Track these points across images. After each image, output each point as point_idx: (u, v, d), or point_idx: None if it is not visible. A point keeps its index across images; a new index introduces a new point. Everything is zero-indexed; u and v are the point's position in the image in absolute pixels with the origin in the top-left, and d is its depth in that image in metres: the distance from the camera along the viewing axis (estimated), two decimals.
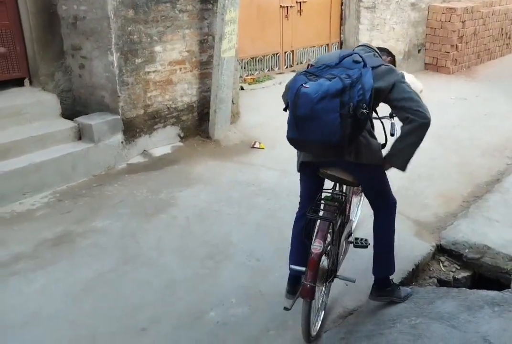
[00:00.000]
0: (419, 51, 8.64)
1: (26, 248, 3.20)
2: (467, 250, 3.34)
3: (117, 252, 3.20)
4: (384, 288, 2.68)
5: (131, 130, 4.43)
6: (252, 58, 6.62)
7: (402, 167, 2.40)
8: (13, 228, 3.43)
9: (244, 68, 6.52)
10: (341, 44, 8.12)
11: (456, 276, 3.29)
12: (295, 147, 2.31)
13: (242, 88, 5.97)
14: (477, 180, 4.46)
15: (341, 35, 8.11)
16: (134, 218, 3.59)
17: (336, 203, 2.45)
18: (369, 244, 2.75)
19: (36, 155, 3.86)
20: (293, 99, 2.09)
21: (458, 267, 3.37)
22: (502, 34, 9.93)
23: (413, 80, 6.88)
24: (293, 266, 2.41)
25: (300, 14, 7.15)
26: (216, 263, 3.12)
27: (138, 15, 4.25)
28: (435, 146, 5.21)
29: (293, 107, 2.10)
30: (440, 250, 3.44)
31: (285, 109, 2.31)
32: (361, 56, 2.18)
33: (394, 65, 2.52)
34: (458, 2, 9.09)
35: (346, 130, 2.06)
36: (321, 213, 2.40)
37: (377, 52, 2.43)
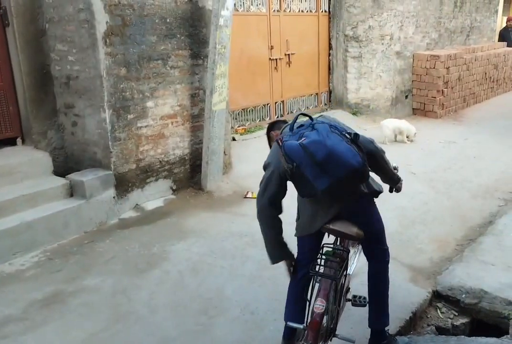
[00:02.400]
0: (406, 97, 8.86)
1: (15, 310, 3.14)
2: (464, 296, 3.29)
3: (109, 310, 3.14)
4: (381, 342, 2.62)
5: (123, 184, 4.47)
6: (243, 109, 6.78)
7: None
8: (1, 289, 3.38)
9: (236, 119, 6.66)
10: (330, 93, 8.35)
11: (455, 323, 3.23)
12: (327, 197, 2.29)
13: (233, 139, 6.08)
14: (470, 223, 4.46)
15: (330, 84, 8.36)
16: (126, 274, 3.55)
17: (338, 259, 2.41)
18: (367, 302, 2.69)
19: (28, 213, 3.86)
20: (303, 154, 2.11)
21: (456, 313, 3.31)
22: (486, 79, 10.25)
23: (407, 125, 7.06)
24: (290, 323, 2.34)
25: (289, 66, 7.40)
26: (210, 318, 3.06)
27: (130, 73, 4.38)
28: (427, 190, 5.26)
29: (310, 159, 2.11)
30: (437, 296, 3.39)
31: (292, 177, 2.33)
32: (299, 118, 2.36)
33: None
34: (441, 49, 9.43)
35: (359, 152, 2.17)
36: (321, 269, 2.36)
37: None
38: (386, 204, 4.71)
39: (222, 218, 4.52)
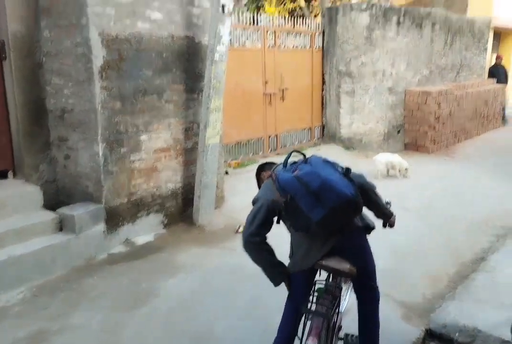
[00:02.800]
0: (398, 132, 8.98)
1: None
2: (457, 334, 3.23)
3: None
4: None
5: (114, 219, 4.42)
6: (237, 143, 6.84)
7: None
8: None
9: (229, 152, 6.70)
10: (323, 127, 8.45)
11: None
12: (320, 231, 2.31)
13: (227, 173, 6.09)
14: (462, 259, 4.44)
15: (323, 119, 8.47)
16: (114, 311, 3.47)
17: (330, 296, 2.39)
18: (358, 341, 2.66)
19: (16, 248, 3.79)
20: (296, 185, 2.19)
21: None
22: (477, 115, 10.44)
23: (400, 159, 7.12)
24: None
25: (283, 100, 7.51)
26: None
27: (125, 107, 4.40)
28: (420, 225, 5.26)
29: (304, 189, 2.18)
30: (430, 334, 3.33)
31: (278, 221, 2.40)
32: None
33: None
34: (433, 86, 9.63)
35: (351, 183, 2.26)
36: (314, 307, 2.34)
37: None
38: (379, 240, 4.65)
39: (214, 253, 4.47)
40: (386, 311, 3.43)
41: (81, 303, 3.58)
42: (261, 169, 2.77)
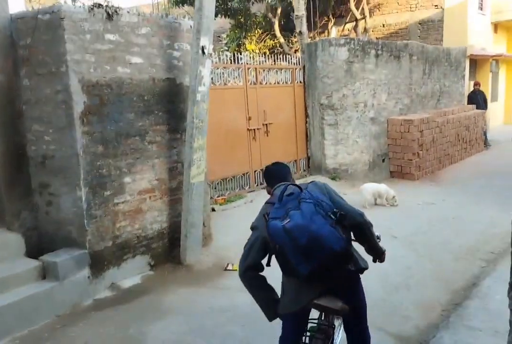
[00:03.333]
0: (383, 160, 9.07)
1: None
2: None
3: None
4: None
5: (99, 263, 4.35)
6: (223, 179, 6.85)
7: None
8: None
9: (215, 189, 6.70)
10: (308, 159, 8.51)
11: None
12: (313, 280, 2.32)
13: (213, 210, 6.07)
14: (453, 286, 4.42)
15: (308, 151, 8.55)
16: None
17: (323, 335, 2.38)
18: None
19: None
20: (286, 238, 2.19)
21: None
22: (459, 140, 10.60)
23: (386, 188, 7.16)
24: None
25: (267, 135, 7.59)
26: None
27: (108, 150, 4.40)
28: (409, 253, 5.24)
29: (292, 244, 2.18)
30: None
31: (268, 264, 2.41)
32: (295, 184, 2.44)
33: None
34: (414, 114, 9.81)
35: (342, 234, 2.23)
36: None
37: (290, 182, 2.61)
38: (368, 271, 4.66)
39: (202, 293, 4.40)
40: None
41: None
42: (267, 175, 2.78)
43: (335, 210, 2.27)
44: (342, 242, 2.20)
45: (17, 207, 4.43)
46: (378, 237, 2.77)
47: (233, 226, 5.74)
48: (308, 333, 2.38)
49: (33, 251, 4.36)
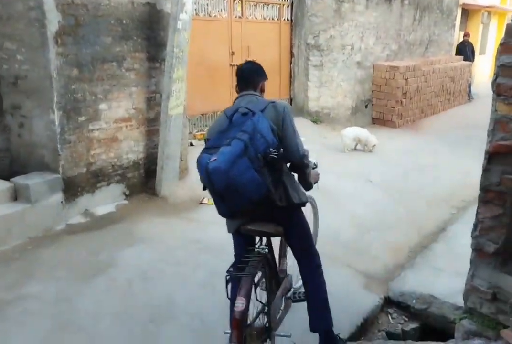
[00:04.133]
0: (366, 106, 9.00)
1: None
2: (414, 301, 3.32)
3: (51, 319, 2.99)
4: None
5: (72, 189, 4.30)
6: (203, 115, 6.73)
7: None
8: None
9: (194, 124, 6.59)
10: (290, 101, 8.38)
11: (405, 328, 3.25)
12: (233, 219, 2.36)
13: (191, 144, 5.99)
14: (424, 230, 4.52)
15: (291, 92, 8.39)
16: (70, 281, 3.40)
17: (258, 258, 2.39)
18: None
19: None
20: (206, 178, 2.15)
21: (407, 319, 3.34)
22: (443, 91, 10.54)
23: (367, 134, 7.13)
24: (225, 331, 2.28)
25: None
26: (157, 326, 2.95)
27: (83, 74, 4.25)
28: (384, 198, 5.31)
29: (210, 186, 2.15)
30: (388, 302, 3.41)
31: (204, 189, 2.34)
32: (246, 107, 2.29)
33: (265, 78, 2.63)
34: (401, 61, 9.65)
35: (267, 179, 2.16)
36: (242, 269, 2.32)
37: (257, 95, 2.51)
38: (343, 213, 4.73)
39: (176, 224, 4.42)
40: (349, 281, 3.51)
41: (37, 273, 3.49)
42: (237, 75, 2.56)
43: (270, 150, 2.16)
44: (263, 189, 2.15)
45: None
46: (315, 165, 2.74)
47: None
48: (247, 256, 2.38)
49: (5, 174, 4.28)
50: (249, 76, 2.54)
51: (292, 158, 2.36)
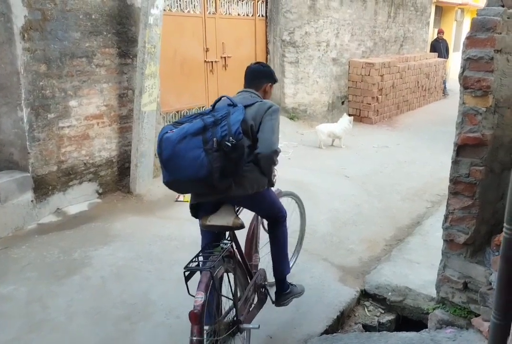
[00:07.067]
0: (342, 102, 9.03)
1: None
2: (390, 293, 3.32)
3: (22, 319, 2.91)
4: (283, 292, 2.78)
5: (43, 187, 4.21)
6: (178, 112, 6.64)
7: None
8: None
9: (169, 121, 6.51)
10: None
11: (381, 320, 3.25)
12: (174, 190, 2.38)
13: None
14: (399, 224, 4.55)
15: None
16: (42, 281, 3.32)
17: (219, 252, 2.34)
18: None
19: None
20: (158, 146, 2.21)
21: (383, 311, 3.34)
22: (419, 87, 10.65)
23: (341, 128, 7.14)
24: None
25: (225, 69, 7.33)
26: (132, 324, 2.91)
27: (51, 70, 4.17)
28: (360, 192, 5.33)
29: (159, 152, 2.19)
30: (365, 294, 3.41)
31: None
32: (229, 98, 2.37)
33: (275, 81, 2.79)
34: (376, 57, 9.71)
35: (214, 163, 2.15)
36: (201, 264, 2.29)
37: (255, 94, 2.64)
38: (319, 207, 4.74)
39: (151, 222, 4.36)
40: (324, 275, 3.50)
41: (7, 274, 3.40)
42: (245, 73, 2.74)
43: (229, 138, 2.14)
44: (202, 171, 2.14)
45: None
46: (275, 175, 2.70)
47: None
48: (208, 250, 2.35)
49: None
50: (253, 76, 2.70)
51: (263, 149, 2.34)
